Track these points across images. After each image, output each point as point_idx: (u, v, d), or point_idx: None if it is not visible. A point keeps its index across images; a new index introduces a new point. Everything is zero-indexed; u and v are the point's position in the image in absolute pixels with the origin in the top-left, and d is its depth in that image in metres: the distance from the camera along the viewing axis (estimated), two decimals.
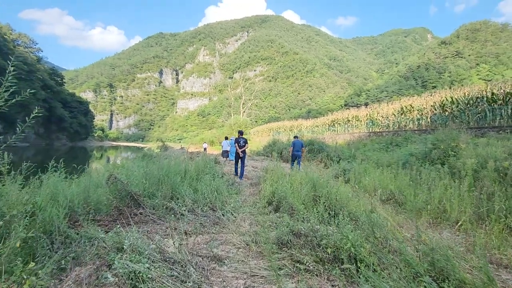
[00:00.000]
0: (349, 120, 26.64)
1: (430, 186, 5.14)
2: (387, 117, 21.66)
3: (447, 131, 8.88)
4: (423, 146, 8.97)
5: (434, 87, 78.66)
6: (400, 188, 5.88)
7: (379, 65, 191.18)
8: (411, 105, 18.89)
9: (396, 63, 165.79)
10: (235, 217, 4.44)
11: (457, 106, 15.76)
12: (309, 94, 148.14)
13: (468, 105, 14.94)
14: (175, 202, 4.51)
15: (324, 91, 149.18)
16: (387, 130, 20.64)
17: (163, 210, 4.19)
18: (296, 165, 11.00)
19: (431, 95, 18.88)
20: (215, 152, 26.38)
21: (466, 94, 15.38)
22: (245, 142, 9.96)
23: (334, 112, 32.50)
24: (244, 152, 9.81)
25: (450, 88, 20.06)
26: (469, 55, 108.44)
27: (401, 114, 19.80)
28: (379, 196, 5.68)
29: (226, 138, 18.02)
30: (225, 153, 16.97)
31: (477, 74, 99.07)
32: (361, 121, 24.76)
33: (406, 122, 19.22)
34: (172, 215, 4.07)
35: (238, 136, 10.07)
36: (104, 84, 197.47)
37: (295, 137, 12.03)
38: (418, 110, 18.42)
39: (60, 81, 75.09)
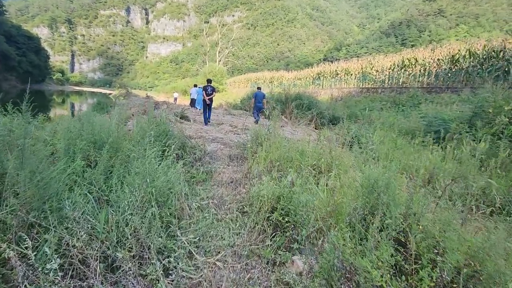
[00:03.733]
0: (337, 73, 23.79)
1: None
2: (383, 72, 19.11)
3: (498, 89, 6.49)
4: (468, 109, 6.58)
5: (413, 45, 77.07)
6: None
7: (361, 19, 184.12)
8: (415, 58, 16.29)
9: (378, 19, 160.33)
10: (199, 281, 1.78)
11: (471, 62, 13.44)
12: (289, 45, 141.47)
13: (487, 60, 12.66)
14: (32, 249, 1.68)
15: (304, 43, 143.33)
16: (382, 86, 18.25)
17: None
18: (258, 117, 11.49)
19: (438, 47, 16.28)
20: (187, 103, 23.40)
21: (485, 46, 12.98)
22: (213, 90, 10.14)
23: (320, 64, 29.29)
24: (211, 100, 10.05)
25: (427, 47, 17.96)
26: (450, 14, 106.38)
27: (401, 69, 17.28)
28: (461, 200, 3.25)
29: (195, 86, 15.99)
30: (194, 101, 15.97)
31: (455, 35, 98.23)
32: (351, 75, 22.02)
33: (406, 78, 16.82)
34: None
35: (206, 84, 10.12)
36: (61, 20, 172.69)
37: (258, 88, 12.17)
38: (421, 64, 15.93)
39: None
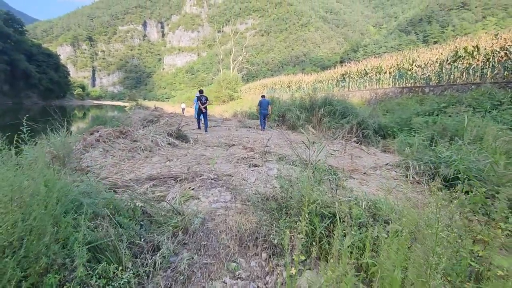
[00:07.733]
0: (367, 73, 20.56)
1: None
2: (426, 67, 15.80)
3: None
4: None
5: (436, 42, 72.03)
6: None
7: (377, 19, 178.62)
8: (475, 47, 12.90)
9: (395, 17, 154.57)
10: None
11: None
12: (304, 49, 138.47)
13: None
14: None
15: (319, 46, 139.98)
16: (428, 84, 14.92)
17: None
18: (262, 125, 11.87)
19: (505, 32, 12.85)
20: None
21: None
22: (206, 99, 10.95)
23: (345, 64, 26.10)
24: (206, 108, 10.76)
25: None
26: (475, 7, 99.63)
27: (454, 61, 13.94)
28: None
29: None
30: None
31: (483, 28, 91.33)
32: (385, 73, 18.73)
33: (461, 73, 13.44)
34: None
35: (200, 95, 10.81)
36: (82, 37, 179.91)
37: (262, 96, 12.51)
38: (485, 54, 12.54)
39: (19, 28, 64.13)
